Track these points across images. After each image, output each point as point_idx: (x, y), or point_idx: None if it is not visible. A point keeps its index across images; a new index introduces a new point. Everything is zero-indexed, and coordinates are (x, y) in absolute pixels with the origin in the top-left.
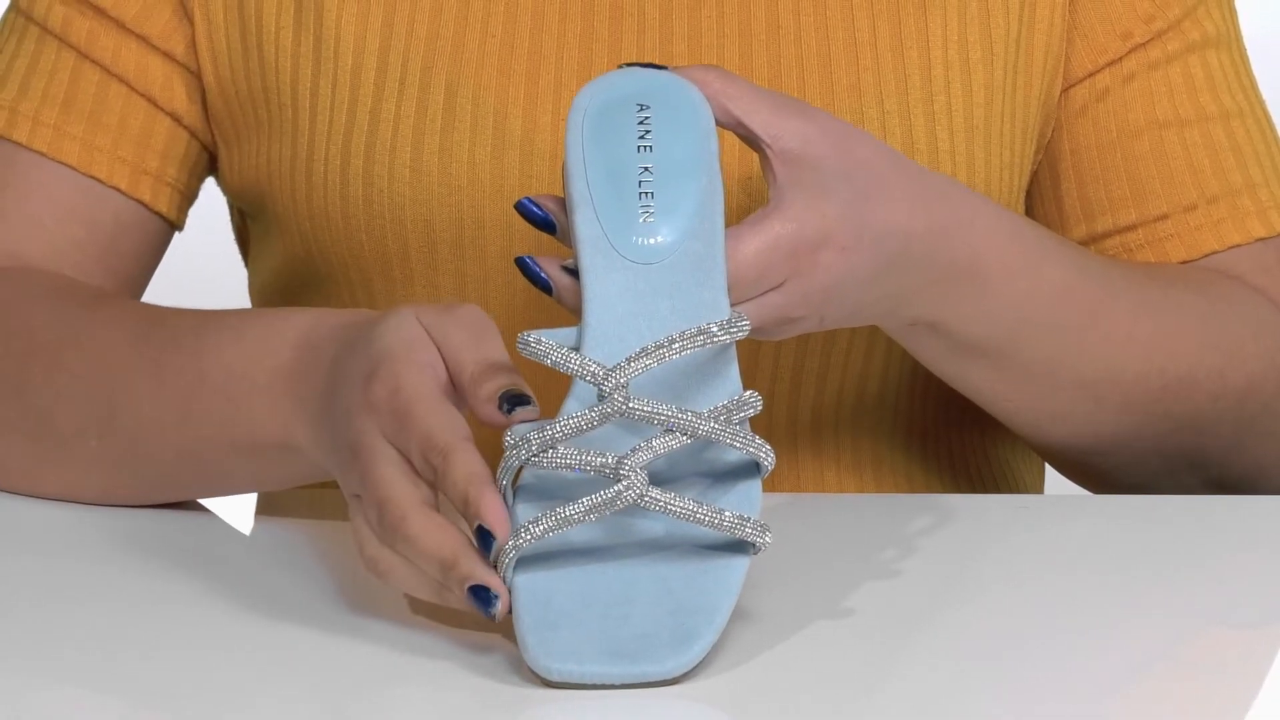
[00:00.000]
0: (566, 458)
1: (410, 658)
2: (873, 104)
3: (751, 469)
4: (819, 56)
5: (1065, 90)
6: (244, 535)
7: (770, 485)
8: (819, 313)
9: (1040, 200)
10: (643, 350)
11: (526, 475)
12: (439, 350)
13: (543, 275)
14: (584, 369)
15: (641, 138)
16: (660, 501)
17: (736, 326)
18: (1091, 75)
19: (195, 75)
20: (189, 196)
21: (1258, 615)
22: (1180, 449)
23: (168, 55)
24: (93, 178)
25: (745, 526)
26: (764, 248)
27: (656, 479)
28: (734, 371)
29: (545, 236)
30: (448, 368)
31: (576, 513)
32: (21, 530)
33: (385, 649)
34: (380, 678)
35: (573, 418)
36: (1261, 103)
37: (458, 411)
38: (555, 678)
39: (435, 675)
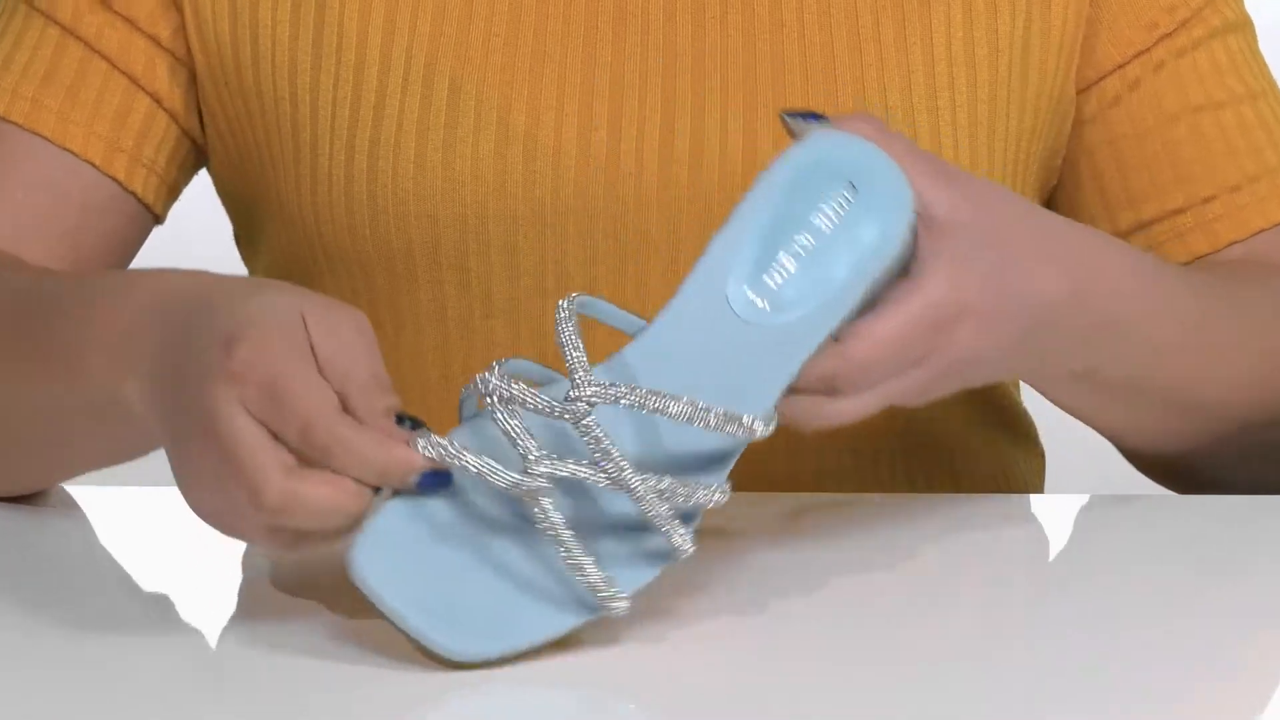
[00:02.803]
0: (506, 421)
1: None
2: (876, 100)
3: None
4: (822, 53)
5: (1096, 82)
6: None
7: (769, 485)
8: (961, 381)
9: (1079, 192)
10: (636, 390)
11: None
12: (312, 343)
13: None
14: (574, 362)
15: (827, 211)
16: (546, 520)
17: (752, 429)
18: (1121, 67)
19: (182, 62)
20: (169, 184)
21: (1264, 615)
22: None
23: (152, 38)
24: (67, 150)
25: (599, 592)
26: (905, 325)
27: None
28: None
29: (552, 230)
30: (320, 362)
31: (472, 462)
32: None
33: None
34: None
35: (543, 396)
36: (1274, 82)
37: (332, 390)
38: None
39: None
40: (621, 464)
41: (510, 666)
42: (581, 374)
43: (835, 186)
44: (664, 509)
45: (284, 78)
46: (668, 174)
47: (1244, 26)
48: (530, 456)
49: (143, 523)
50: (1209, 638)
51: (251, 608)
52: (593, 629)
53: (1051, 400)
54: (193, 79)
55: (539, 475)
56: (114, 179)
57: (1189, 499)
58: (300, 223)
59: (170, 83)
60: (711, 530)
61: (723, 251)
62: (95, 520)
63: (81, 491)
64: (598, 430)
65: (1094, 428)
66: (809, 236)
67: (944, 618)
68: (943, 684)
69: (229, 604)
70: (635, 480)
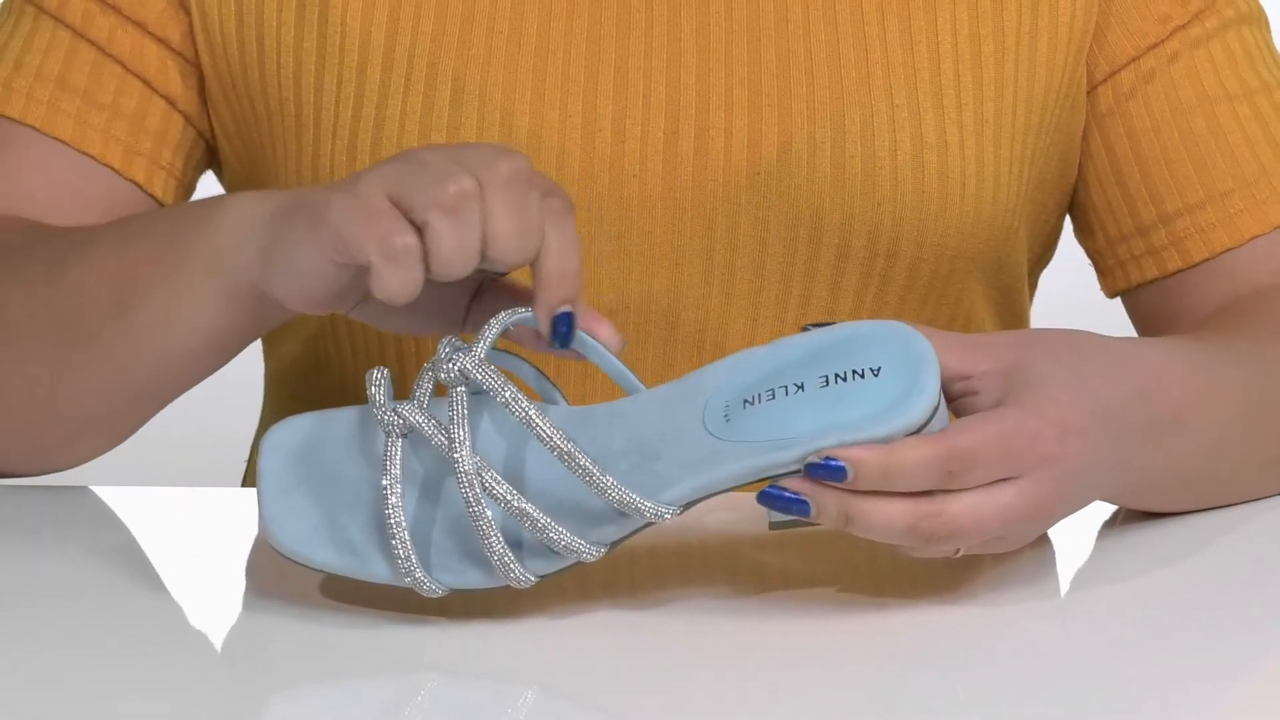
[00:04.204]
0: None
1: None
2: (882, 99)
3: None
4: (828, 51)
5: (1110, 76)
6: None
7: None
8: (1065, 504)
9: (1100, 189)
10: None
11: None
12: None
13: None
14: (481, 340)
15: (830, 376)
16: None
17: (645, 512)
18: (1134, 60)
19: (192, 64)
20: (185, 185)
21: (1267, 615)
22: None
23: (163, 42)
24: (86, 154)
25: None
26: (1005, 428)
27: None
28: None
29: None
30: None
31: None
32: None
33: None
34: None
35: (446, 354)
36: None
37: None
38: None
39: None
40: (462, 447)
41: (498, 660)
42: (480, 348)
43: (854, 361)
44: (490, 520)
45: (289, 79)
46: (672, 175)
47: (1258, 19)
48: (381, 404)
49: (148, 521)
50: (1211, 637)
51: (255, 602)
52: (573, 631)
53: (1128, 506)
54: (203, 81)
55: (391, 415)
56: (133, 182)
57: (1232, 509)
58: None
59: (184, 85)
60: (703, 528)
61: (737, 362)
62: (102, 518)
63: (87, 490)
64: (456, 402)
65: (1165, 511)
66: (803, 387)
67: (943, 617)
68: (941, 684)
69: (232, 599)
70: (469, 468)
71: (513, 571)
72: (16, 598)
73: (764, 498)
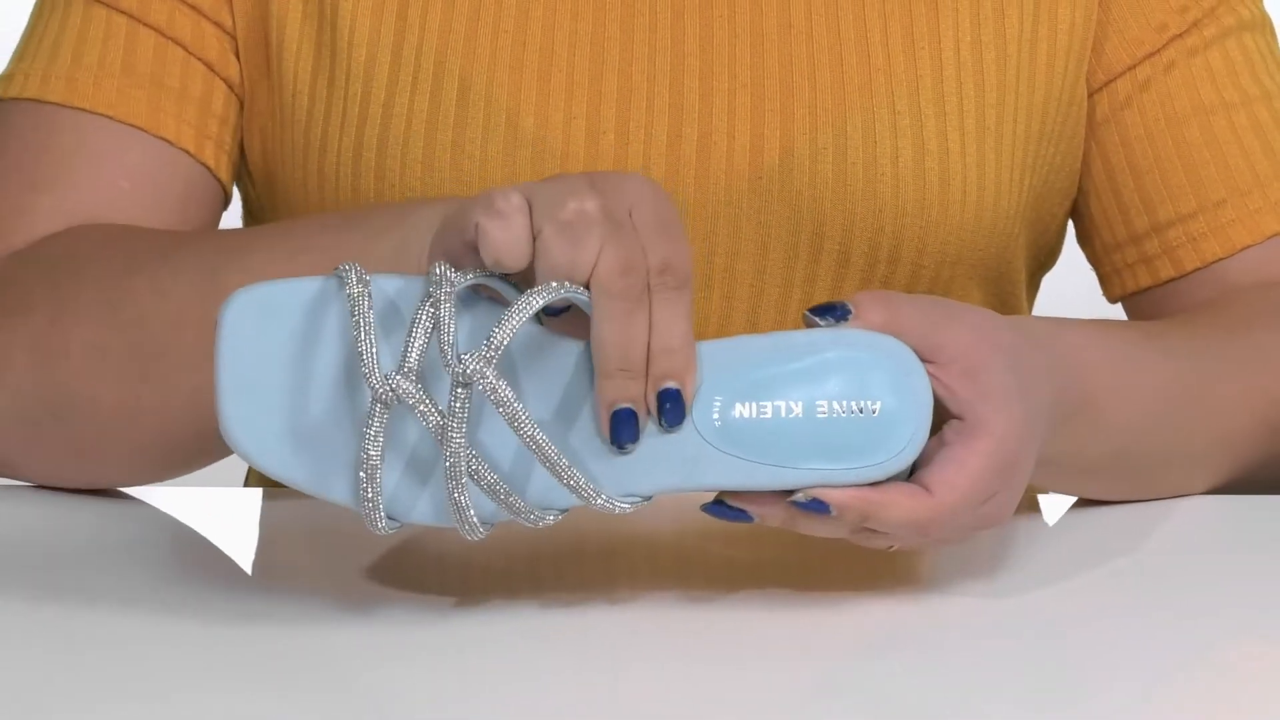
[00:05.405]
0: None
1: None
2: (884, 104)
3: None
4: (830, 56)
5: (1107, 84)
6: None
7: None
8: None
9: (1096, 197)
10: (515, 410)
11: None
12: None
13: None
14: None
15: (834, 405)
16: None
17: (605, 502)
18: (1131, 69)
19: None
20: (236, 169)
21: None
22: None
23: (218, 25)
24: (162, 139)
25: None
26: (983, 470)
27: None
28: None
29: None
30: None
31: (366, 337)
32: (27, 528)
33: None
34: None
35: (454, 334)
36: None
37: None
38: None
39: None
40: (453, 440)
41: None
42: (495, 342)
43: (855, 391)
44: (463, 489)
45: (305, 73)
46: (674, 178)
47: (1261, 26)
48: (373, 370)
49: (148, 521)
50: (1208, 638)
51: (255, 603)
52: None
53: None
54: None
55: (383, 384)
56: (205, 165)
57: (1188, 500)
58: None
59: (237, 70)
60: (667, 522)
61: (734, 345)
62: (102, 518)
63: (87, 491)
64: (456, 400)
65: (1073, 496)
66: (800, 409)
67: (940, 615)
68: (936, 681)
69: (232, 599)
70: (459, 449)
71: (475, 533)
72: (16, 598)
73: (709, 510)
